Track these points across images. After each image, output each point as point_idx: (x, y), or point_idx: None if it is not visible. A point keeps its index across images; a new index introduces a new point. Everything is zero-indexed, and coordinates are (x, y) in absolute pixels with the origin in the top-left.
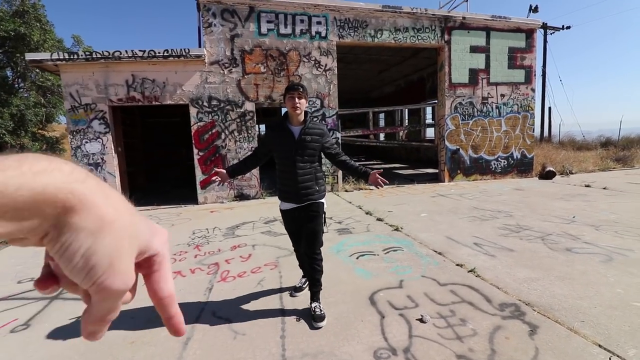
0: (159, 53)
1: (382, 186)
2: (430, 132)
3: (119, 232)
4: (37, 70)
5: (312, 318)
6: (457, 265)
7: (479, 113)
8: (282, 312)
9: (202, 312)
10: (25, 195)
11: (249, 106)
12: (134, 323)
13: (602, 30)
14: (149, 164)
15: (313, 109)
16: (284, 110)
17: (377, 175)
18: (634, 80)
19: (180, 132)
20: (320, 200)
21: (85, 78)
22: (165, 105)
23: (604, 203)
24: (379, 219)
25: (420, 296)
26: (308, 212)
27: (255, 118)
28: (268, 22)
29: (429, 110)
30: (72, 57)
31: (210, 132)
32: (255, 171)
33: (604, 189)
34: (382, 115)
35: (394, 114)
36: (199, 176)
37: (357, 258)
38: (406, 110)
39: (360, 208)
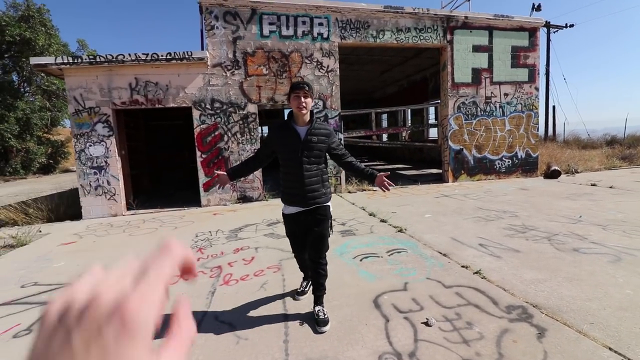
0: (162, 56)
1: (388, 189)
2: (433, 132)
3: None
4: (42, 74)
5: (315, 322)
6: (463, 266)
7: (482, 113)
8: (285, 317)
9: (204, 317)
10: None
11: (252, 108)
12: None
13: (606, 28)
14: (152, 166)
15: (316, 111)
16: (286, 112)
17: (384, 177)
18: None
19: (183, 134)
20: (327, 204)
21: (89, 81)
22: (168, 108)
23: (610, 202)
24: (382, 220)
25: (426, 299)
26: (315, 216)
27: (257, 120)
28: (270, 24)
29: (432, 110)
30: (76, 60)
31: (213, 135)
32: (258, 173)
33: (611, 187)
34: (384, 116)
35: (396, 114)
36: (202, 178)
37: (361, 260)
38: (409, 110)
39: (364, 209)
